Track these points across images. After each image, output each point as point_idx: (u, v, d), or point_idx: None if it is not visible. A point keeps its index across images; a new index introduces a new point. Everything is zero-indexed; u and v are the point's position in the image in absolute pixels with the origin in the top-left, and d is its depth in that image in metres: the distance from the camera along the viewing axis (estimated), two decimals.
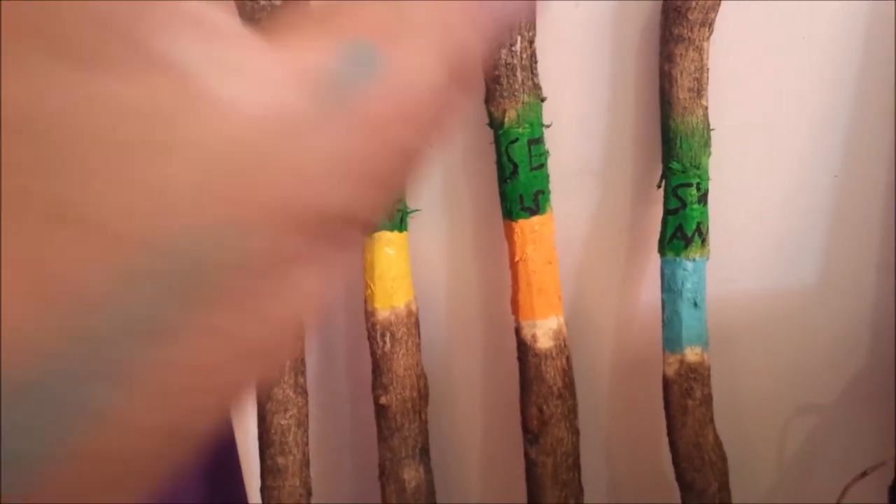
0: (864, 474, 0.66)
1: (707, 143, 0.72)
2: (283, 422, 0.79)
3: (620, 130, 0.78)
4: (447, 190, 0.84)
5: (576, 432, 0.77)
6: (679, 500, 0.76)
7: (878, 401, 0.80)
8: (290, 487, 0.79)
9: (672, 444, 0.74)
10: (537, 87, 0.74)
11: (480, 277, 0.85)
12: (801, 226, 0.78)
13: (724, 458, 0.74)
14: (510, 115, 0.74)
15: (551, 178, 0.76)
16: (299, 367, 0.80)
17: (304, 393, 0.81)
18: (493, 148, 0.76)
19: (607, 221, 0.81)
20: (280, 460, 0.79)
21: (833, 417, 0.82)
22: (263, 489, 0.80)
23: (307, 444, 0.81)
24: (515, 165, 0.75)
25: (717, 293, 0.75)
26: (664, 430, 0.76)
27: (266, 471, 0.80)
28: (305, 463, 0.81)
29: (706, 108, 0.72)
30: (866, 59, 0.73)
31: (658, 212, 0.77)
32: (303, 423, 0.81)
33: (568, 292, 0.80)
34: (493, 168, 0.77)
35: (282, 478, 0.79)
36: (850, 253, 0.78)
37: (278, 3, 0.71)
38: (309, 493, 0.81)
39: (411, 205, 0.81)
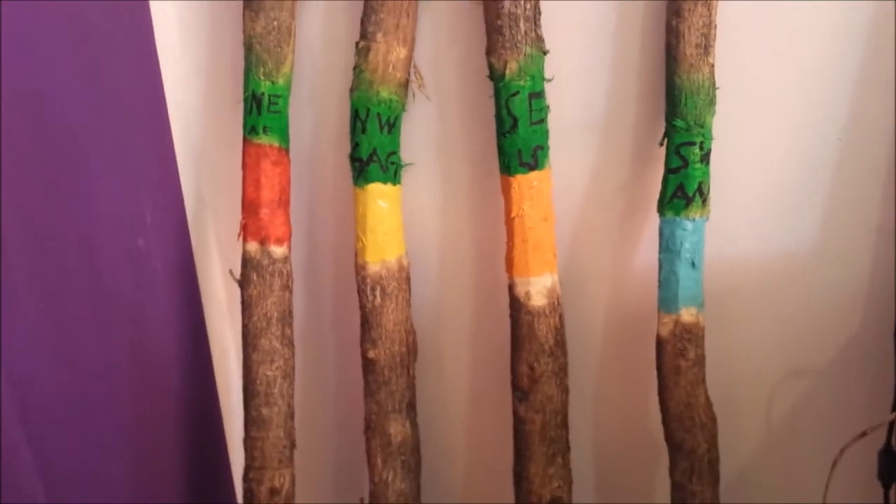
0: (863, 434, 0.66)
1: (712, 102, 0.71)
2: (268, 373, 0.78)
3: (623, 87, 0.76)
4: (443, 143, 0.82)
5: (565, 390, 0.77)
6: (666, 460, 0.76)
7: (872, 365, 0.80)
8: (273, 438, 0.78)
9: (662, 404, 0.73)
10: (540, 39, 0.72)
11: (474, 233, 0.84)
12: (802, 189, 0.77)
13: (714, 420, 0.73)
14: (512, 68, 0.72)
15: (550, 134, 0.74)
16: (287, 319, 0.79)
17: (291, 345, 0.80)
18: (492, 101, 0.75)
19: (606, 179, 0.79)
20: (265, 411, 0.78)
21: (826, 381, 0.82)
22: (247, 440, 0.79)
23: (292, 395, 0.80)
24: (515, 119, 0.73)
25: (713, 254, 0.75)
26: (654, 391, 0.76)
27: (250, 422, 0.79)
28: (290, 415, 0.80)
29: (713, 65, 0.70)
30: (874, 23, 0.72)
31: (658, 170, 0.75)
32: (289, 375, 0.79)
33: (563, 250, 0.79)
34: (492, 122, 0.75)
35: (266, 429, 0.78)
36: (851, 217, 0.77)
37: None
38: (293, 445, 0.80)
39: (406, 158, 0.79)
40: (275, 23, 0.74)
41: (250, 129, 0.76)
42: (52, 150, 0.69)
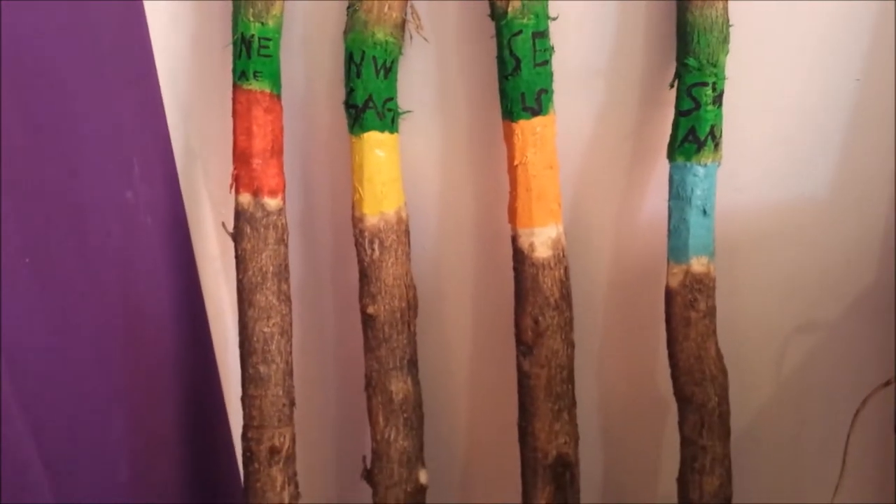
0: (888, 383, 0.64)
1: (726, 40, 0.67)
2: (265, 329, 0.75)
3: (631, 25, 0.72)
4: (442, 88, 0.78)
5: (571, 344, 0.74)
6: (674, 414, 0.74)
7: (884, 319, 0.77)
8: (272, 397, 0.76)
9: (672, 357, 0.71)
10: None
11: (475, 183, 0.81)
12: (816, 132, 0.74)
13: (724, 373, 0.71)
14: (514, 5, 0.68)
15: (554, 77, 0.71)
16: (283, 274, 0.76)
17: (288, 300, 0.77)
18: (493, 42, 0.71)
19: (612, 124, 0.76)
20: (262, 369, 0.76)
21: (837, 334, 0.79)
22: (245, 398, 0.77)
23: (290, 353, 0.78)
24: (518, 61, 0.69)
25: (721, 202, 0.71)
26: (661, 345, 0.73)
27: (247, 379, 0.77)
28: (289, 372, 0.78)
29: (726, 0, 0.67)
30: None
31: (667, 115, 0.72)
32: (286, 332, 0.77)
33: (567, 199, 0.76)
34: (493, 64, 0.71)
35: (264, 387, 0.76)
36: (866, 164, 0.74)
37: None
38: (292, 403, 0.78)
39: (403, 105, 0.75)
40: None
41: (240, 75, 0.73)
42: (33, 96, 0.65)
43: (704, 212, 0.68)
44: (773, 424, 0.84)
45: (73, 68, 0.69)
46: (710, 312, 0.70)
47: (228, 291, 0.89)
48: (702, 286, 0.69)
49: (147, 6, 0.78)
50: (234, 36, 0.72)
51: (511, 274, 0.75)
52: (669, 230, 0.70)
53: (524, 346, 0.74)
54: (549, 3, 0.69)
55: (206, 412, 0.91)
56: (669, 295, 0.70)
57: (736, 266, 0.77)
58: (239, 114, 0.73)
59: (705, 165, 0.68)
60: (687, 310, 0.69)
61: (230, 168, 0.76)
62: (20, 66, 0.63)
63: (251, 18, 0.71)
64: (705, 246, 0.69)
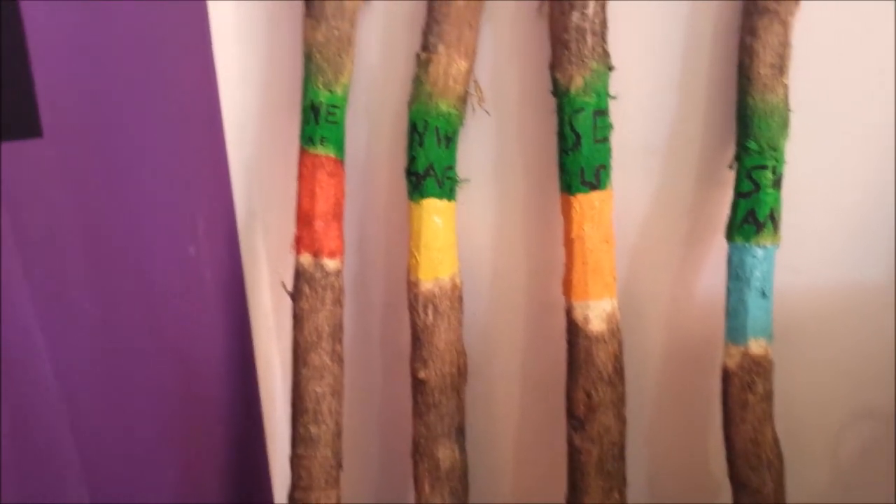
0: None
1: (786, 125, 0.68)
2: (318, 389, 0.76)
3: (691, 106, 0.74)
4: (499, 159, 0.80)
5: (623, 421, 0.73)
6: (724, 499, 0.73)
7: None
8: (321, 458, 0.76)
9: (728, 439, 0.70)
10: (606, 54, 0.70)
11: (528, 253, 0.81)
12: (875, 219, 0.74)
13: (780, 458, 0.70)
14: (577, 83, 0.70)
15: (613, 154, 0.72)
16: (337, 334, 0.77)
17: (341, 361, 0.78)
18: (551, 118, 0.72)
19: (669, 201, 0.76)
20: (313, 429, 0.76)
21: (893, 423, 0.78)
22: (293, 458, 0.77)
23: (341, 414, 0.78)
24: (579, 136, 0.71)
25: (780, 283, 0.71)
26: (714, 425, 0.73)
27: (297, 439, 0.77)
28: (338, 434, 0.78)
29: (787, 86, 0.68)
30: None
31: (723, 194, 0.72)
32: (337, 392, 0.77)
33: (622, 274, 0.76)
34: (551, 138, 0.73)
35: (313, 447, 0.76)
36: None
37: None
38: (339, 466, 0.78)
39: (462, 174, 0.77)
40: (336, 32, 0.73)
41: (307, 139, 0.75)
42: (110, 152, 0.68)
43: (763, 293, 0.68)
44: None
45: (146, 125, 0.72)
46: (768, 396, 0.69)
47: (278, 349, 0.90)
48: (760, 368, 0.68)
49: (218, 68, 0.81)
50: (303, 102, 0.75)
51: (561, 346, 0.75)
52: (728, 311, 0.69)
53: (576, 420, 0.73)
54: (610, 81, 0.71)
55: (250, 468, 0.91)
56: (726, 376, 0.69)
57: (791, 348, 0.76)
58: (304, 177, 0.75)
59: (765, 247, 0.68)
60: (744, 392, 0.68)
61: (288, 227, 0.77)
62: (98, 120, 0.66)
63: (321, 87, 0.74)
64: (764, 328, 0.68)
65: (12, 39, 0.58)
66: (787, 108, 0.68)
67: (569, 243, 0.73)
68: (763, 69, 0.67)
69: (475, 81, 0.76)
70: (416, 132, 0.74)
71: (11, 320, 0.59)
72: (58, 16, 0.62)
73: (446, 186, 0.75)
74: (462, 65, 0.72)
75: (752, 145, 0.67)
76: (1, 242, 0.59)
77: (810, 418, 0.79)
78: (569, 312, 0.74)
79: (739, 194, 0.69)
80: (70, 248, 0.66)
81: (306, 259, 0.75)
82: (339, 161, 0.76)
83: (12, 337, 0.60)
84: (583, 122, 0.70)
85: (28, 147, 0.61)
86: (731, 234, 0.69)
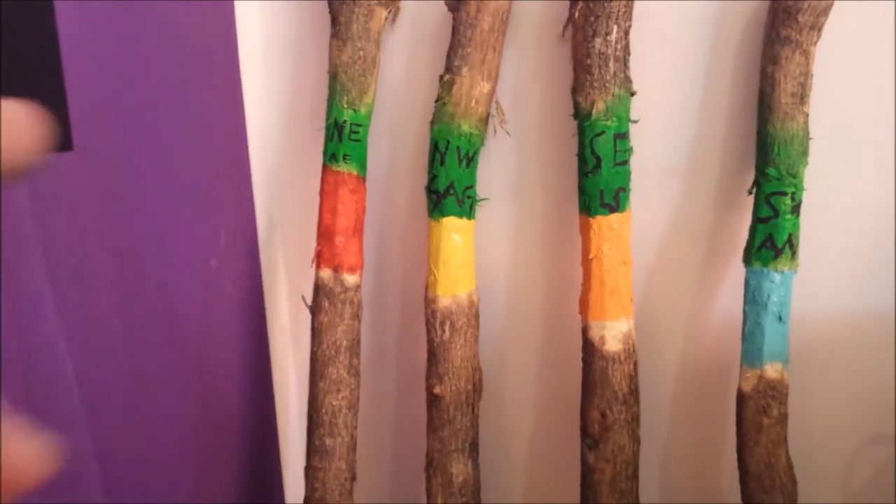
0: None
1: (805, 152, 0.68)
2: (335, 402, 0.77)
3: (711, 132, 0.75)
4: (519, 179, 0.81)
5: (637, 441, 0.74)
6: None
7: None
8: (335, 470, 0.77)
9: (741, 461, 0.70)
10: (628, 79, 0.71)
11: (545, 272, 0.82)
12: (893, 247, 0.74)
13: (794, 482, 0.70)
14: (599, 107, 0.71)
15: (632, 177, 0.73)
16: (355, 349, 0.78)
17: (358, 375, 0.79)
18: (571, 140, 0.74)
19: (687, 225, 0.77)
20: (328, 441, 0.77)
21: None
22: (308, 469, 0.78)
23: (356, 427, 0.79)
24: (599, 159, 0.72)
25: (796, 308, 0.72)
26: (727, 447, 0.73)
27: (312, 451, 0.78)
28: (353, 447, 0.78)
29: (807, 115, 0.68)
30: None
31: (742, 219, 0.73)
32: (353, 406, 0.78)
33: (639, 296, 0.77)
34: (570, 160, 0.74)
35: (328, 459, 0.77)
36: None
37: None
38: (353, 478, 0.79)
39: (481, 193, 0.78)
40: (361, 53, 0.74)
41: (330, 157, 0.76)
42: (137, 167, 0.69)
43: (780, 318, 0.68)
44: None
45: (173, 140, 0.73)
46: (783, 419, 0.69)
47: (294, 362, 0.91)
48: (775, 392, 0.69)
49: (244, 84, 0.82)
50: (327, 120, 0.76)
51: (576, 365, 0.76)
52: (744, 334, 0.70)
53: (590, 440, 0.74)
54: (631, 105, 0.72)
55: (264, 479, 0.91)
56: (741, 399, 0.70)
57: (806, 374, 0.77)
58: (326, 193, 0.77)
59: (782, 272, 0.68)
60: (759, 415, 0.69)
61: (307, 242, 0.79)
62: (123, 133, 0.67)
63: (345, 105, 0.75)
64: (780, 352, 0.69)
65: (49, 56, 0.59)
66: (806, 136, 0.69)
67: (586, 263, 0.74)
68: (784, 98, 0.68)
69: (497, 103, 0.77)
70: (438, 151, 0.75)
71: (36, 329, 0.61)
72: (91, 34, 0.63)
73: (466, 205, 0.76)
74: (485, 87, 0.74)
75: (772, 172, 0.68)
76: (29, 252, 0.60)
77: (823, 442, 0.79)
78: (585, 332, 0.74)
79: (758, 219, 0.69)
80: (95, 259, 0.67)
81: (326, 274, 0.77)
82: (361, 178, 0.77)
83: (36, 345, 0.61)
84: (603, 145, 0.71)
85: (59, 159, 0.63)
86: (748, 258, 0.70)
